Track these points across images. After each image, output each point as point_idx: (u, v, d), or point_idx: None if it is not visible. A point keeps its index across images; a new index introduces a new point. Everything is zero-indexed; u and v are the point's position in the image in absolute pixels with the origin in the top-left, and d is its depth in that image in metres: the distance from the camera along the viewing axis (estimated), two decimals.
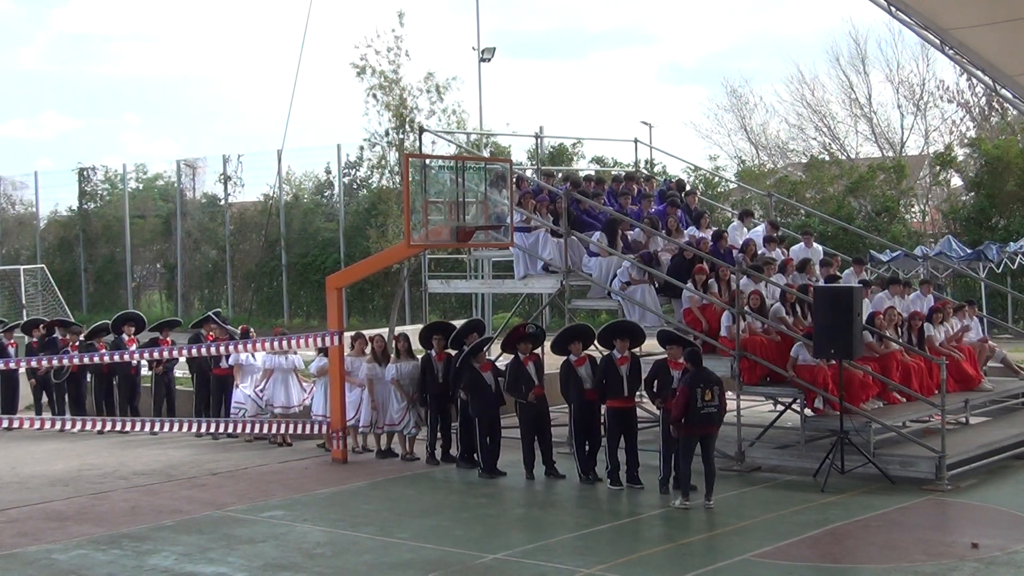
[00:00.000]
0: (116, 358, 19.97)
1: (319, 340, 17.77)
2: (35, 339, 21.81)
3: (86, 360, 19.97)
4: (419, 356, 17.22)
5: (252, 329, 20.60)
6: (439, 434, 16.93)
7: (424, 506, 14.36)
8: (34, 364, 20.95)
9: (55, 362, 20.24)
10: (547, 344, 16.50)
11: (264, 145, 66.21)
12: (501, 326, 22.01)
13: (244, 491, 15.34)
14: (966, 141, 40.94)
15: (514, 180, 18.90)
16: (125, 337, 20.68)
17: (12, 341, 22.49)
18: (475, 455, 16.22)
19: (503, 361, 16.90)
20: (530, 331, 16.21)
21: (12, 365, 21.00)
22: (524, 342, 15.83)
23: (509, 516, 14.22)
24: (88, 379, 21.23)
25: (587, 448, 15.32)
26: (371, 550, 12.12)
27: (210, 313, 21.91)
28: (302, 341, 18.64)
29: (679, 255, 17.99)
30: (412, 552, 11.97)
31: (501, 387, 15.96)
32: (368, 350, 17.55)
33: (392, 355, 17.53)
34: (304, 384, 18.91)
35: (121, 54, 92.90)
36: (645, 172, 25.33)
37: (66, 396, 21.24)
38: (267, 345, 18.41)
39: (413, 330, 19.71)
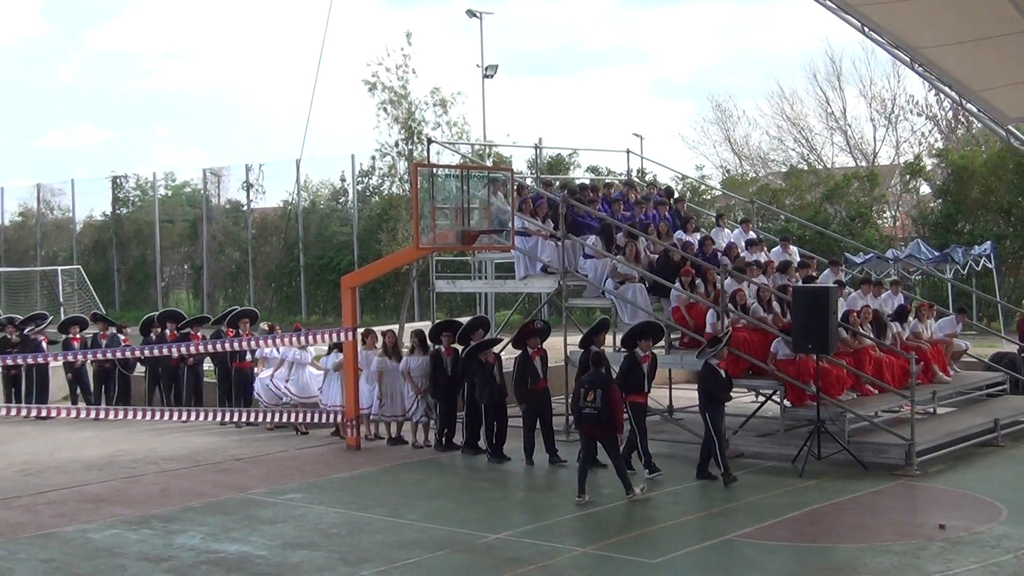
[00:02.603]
0: (165, 351, 20.07)
1: (334, 336, 17.81)
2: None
3: (145, 353, 20.21)
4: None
5: (277, 326, 20.75)
6: (446, 424, 16.97)
7: (431, 490, 14.37)
8: (71, 358, 21.07)
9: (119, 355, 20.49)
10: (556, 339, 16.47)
11: (284, 155, 66.32)
12: (503, 323, 22.03)
13: (265, 475, 15.37)
14: (934, 152, 40.96)
15: (515, 188, 18.93)
16: (167, 332, 20.80)
17: (45, 336, 22.53)
18: (479, 442, 16.27)
19: (505, 355, 16.95)
20: (538, 326, 16.23)
21: (72, 358, 21.11)
22: (533, 337, 15.81)
23: (511, 499, 14.24)
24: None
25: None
26: (382, 530, 12.14)
27: (236, 309, 21.91)
28: (319, 336, 18.68)
29: (665, 257, 18.04)
30: (420, 532, 11.98)
31: (504, 379, 16.06)
32: (379, 344, 17.60)
33: (406, 350, 17.57)
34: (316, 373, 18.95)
35: (152, 70, 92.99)
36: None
37: (108, 388, 21.38)
38: (288, 340, 18.52)
39: (423, 326, 19.72)
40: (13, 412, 19.75)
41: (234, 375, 19.83)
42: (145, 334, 21.25)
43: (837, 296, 15.93)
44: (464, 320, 18.41)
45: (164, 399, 20.67)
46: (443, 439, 16.88)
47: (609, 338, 17.25)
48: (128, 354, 20.70)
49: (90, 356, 21.05)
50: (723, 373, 14.40)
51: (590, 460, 13.53)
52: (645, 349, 14.80)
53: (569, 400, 15.54)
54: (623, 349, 15.47)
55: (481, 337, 16.57)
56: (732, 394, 15.42)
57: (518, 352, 15.98)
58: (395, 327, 20.49)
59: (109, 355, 20.66)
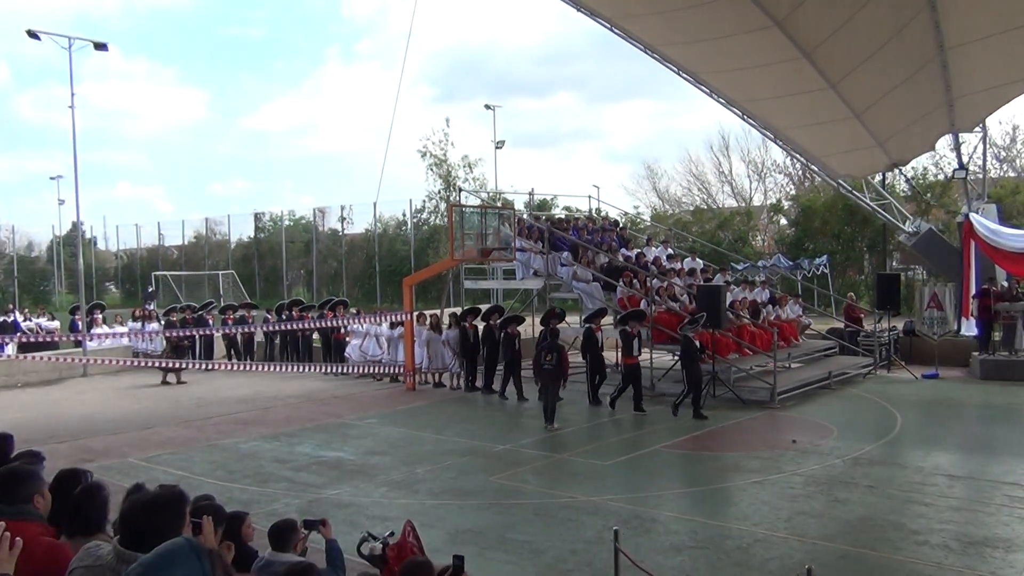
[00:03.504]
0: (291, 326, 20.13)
1: (399, 317, 17.81)
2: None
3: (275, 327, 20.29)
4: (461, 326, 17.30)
5: (362, 310, 20.79)
6: (471, 374, 16.92)
7: (462, 416, 14.37)
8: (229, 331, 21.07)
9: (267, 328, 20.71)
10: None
11: (366, 198, 66.04)
12: (507, 308, 21.94)
13: (353, 407, 15.39)
14: (789, 197, 40.80)
15: (516, 220, 18.92)
16: (293, 313, 20.87)
17: (212, 315, 22.55)
18: (492, 387, 16.19)
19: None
20: (558, 311, 15.79)
21: (228, 331, 21.16)
22: (554, 318, 15.25)
23: (513, 423, 14.17)
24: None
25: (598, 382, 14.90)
26: (430, 442, 12.14)
27: (334, 299, 21.93)
28: (390, 316, 18.69)
29: (610, 265, 18.04)
30: (454, 444, 12.00)
31: (521, 346, 15.78)
32: (428, 322, 17.59)
33: (445, 326, 17.56)
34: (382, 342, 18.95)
35: (281, 144, 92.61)
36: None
37: (251, 350, 21.39)
38: (368, 319, 18.53)
39: (456, 310, 19.67)
40: (190, 366, 19.78)
41: (332, 342, 19.84)
42: (279, 314, 21.27)
43: (725, 291, 15.92)
44: (482, 306, 18.38)
45: (288, 357, 20.70)
46: (469, 384, 16.86)
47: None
48: (265, 328, 20.73)
49: (239, 330, 21.06)
50: (697, 342, 13.76)
51: (547, 398, 13.12)
52: (633, 327, 14.27)
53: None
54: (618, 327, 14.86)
55: (497, 318, 16.39)
56: (655, 353, 15.20)
57: (542, 327, 15.28)
58: (437, 311, 20.39)
59: (252, 329, 20.71)
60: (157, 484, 5.41)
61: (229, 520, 4.87)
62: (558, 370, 13.08)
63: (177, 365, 18.76)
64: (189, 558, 2.59)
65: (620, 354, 14.77)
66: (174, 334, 19.32)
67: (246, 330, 20.94)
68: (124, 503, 3.18)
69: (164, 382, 18.59)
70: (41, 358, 19.55)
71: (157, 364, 19.14)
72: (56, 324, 24.06)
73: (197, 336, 20.96)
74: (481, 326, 16.72)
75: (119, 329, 22.26)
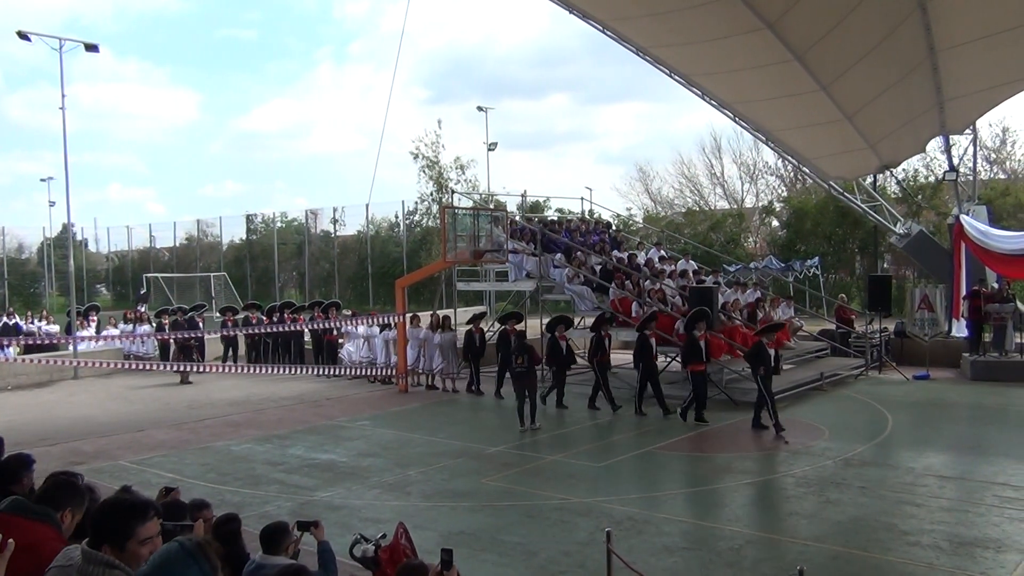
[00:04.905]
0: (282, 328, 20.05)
1: (391, 319, 17.77)
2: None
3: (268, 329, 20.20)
4: (454, 329, 17.26)
5: (356, 311, 20.73)
6: (472, 376, 16.85)
7: (455, 419, 14.36)
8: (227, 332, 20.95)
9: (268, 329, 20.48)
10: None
11: (358, 199, 65.85)
12: (501, 310, 21.91)
13: (346, 409, 15.36)
14: (781, 199, 40.91)
15: (508, 222, 18.91)
16: (285, 316, 20.79)
17: (202, 317, 22.46)
18: (499, 390, 16.12)
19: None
20: (607, 317, 15.36)
21: (227, 332, 21.04)
22: (605, 324, 14.79)
23: (507, 425, 14.17)
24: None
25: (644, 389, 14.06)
26: (422, 444, 12.12)
27: (326, 301, 21.87)
28: (383, 318, 18.65)
29: (604, 267, 18.06)
30: (447, 446, 11.97)
31: (571, 350, 15.01)
32: (423, 324, 17.55)
33: (439, 328, 17.54)
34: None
35: (273, 146, 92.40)
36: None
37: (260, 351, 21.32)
38: (361, 320, 18.45)
39: (448, 312, 19.66)
40: (184, 368, 19.68)
41: (325, 344, 19.78)
42: (270, 316, 21.20)
43: (717, 292, 15.97)
44: (478, 309, 18.37)
45: (280, 359, 20.63)
46: (471, 387, 16.81)
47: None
48: (260, 330, 20.62)
49: (241, 332, 20.96)
50: (768, 351, 12.55)
51: (522, 401, 12.98)
52: (701, 330, 13.21)
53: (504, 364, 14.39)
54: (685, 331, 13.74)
55: (514, 323, 15.58)
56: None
57: (593, 333, 14.80)
58: (431, 312, 20.40)
59: (253, 330, 20.61)
60: (162, 487, 5.41)
61: (223, 522, 4.87)
62: (531, 371, 12.95)
63: (185, 368, 18.95)
64: (187, 564, 2.53)
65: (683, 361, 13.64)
66: (188, 335, 19.48)
67: (248, 331, 20.84)
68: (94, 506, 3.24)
69: (187, 380, 18.95)
70: (43, 361, 19.48)
71: (171, 368, 19.27)
72: (57, 328, 24.01)
73: (191, 338, 20.87)
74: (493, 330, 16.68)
75: (111, 331, 22.16)
